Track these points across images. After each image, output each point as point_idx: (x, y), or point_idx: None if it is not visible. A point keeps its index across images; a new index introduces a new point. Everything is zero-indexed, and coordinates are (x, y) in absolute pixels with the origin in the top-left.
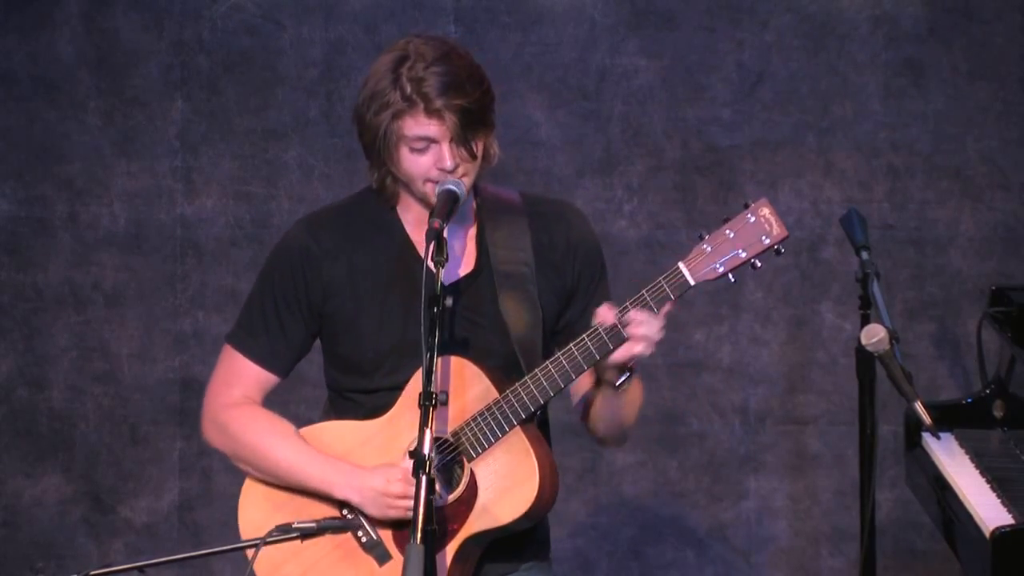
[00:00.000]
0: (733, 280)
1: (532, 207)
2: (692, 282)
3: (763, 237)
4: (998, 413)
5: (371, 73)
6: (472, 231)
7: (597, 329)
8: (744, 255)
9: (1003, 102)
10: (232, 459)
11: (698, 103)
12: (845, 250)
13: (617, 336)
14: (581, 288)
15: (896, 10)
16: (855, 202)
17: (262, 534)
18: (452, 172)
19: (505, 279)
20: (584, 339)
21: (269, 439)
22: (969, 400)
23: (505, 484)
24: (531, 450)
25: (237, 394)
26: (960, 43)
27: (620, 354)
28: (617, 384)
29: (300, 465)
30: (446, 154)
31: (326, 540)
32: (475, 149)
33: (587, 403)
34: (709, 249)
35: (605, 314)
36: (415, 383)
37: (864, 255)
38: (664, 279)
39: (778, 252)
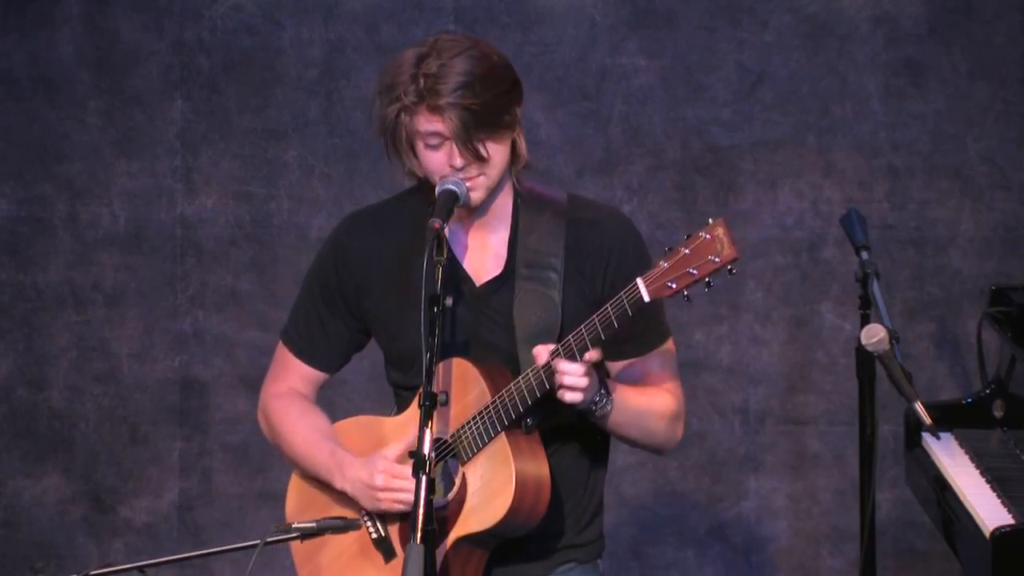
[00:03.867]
0: (687, 299)
1: (574, 212)
2: (647, 299)
3: (713, 257)
4: (998, 413)
5: (392, 64)
6: (506, 234)
7: (536, 369)
8: (696, 273)
9: (1003, 102)
10: (275, 448)
11: (698, 103)
12: (845, 250)
13: (551, 377)
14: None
15: (896, 10)
16: (855, 202)
17: (305, 520)
18: (462, 171)
19: (527, 282)
20: (580, 329)
21: (295, 429)
22: (969, 400)
23: (487, 491)
24: (511, 458)
25: (284, 387)
26: (960, 43)
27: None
28: (590, 411)
29: (312, 455)
30: (455, 152)
31: (352, 532)
32: (483, 152)
33: None
34: (666, 266)
35: (539, 353)
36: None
37: (864, 255)
38: (624, 294)
39: (731, 272)
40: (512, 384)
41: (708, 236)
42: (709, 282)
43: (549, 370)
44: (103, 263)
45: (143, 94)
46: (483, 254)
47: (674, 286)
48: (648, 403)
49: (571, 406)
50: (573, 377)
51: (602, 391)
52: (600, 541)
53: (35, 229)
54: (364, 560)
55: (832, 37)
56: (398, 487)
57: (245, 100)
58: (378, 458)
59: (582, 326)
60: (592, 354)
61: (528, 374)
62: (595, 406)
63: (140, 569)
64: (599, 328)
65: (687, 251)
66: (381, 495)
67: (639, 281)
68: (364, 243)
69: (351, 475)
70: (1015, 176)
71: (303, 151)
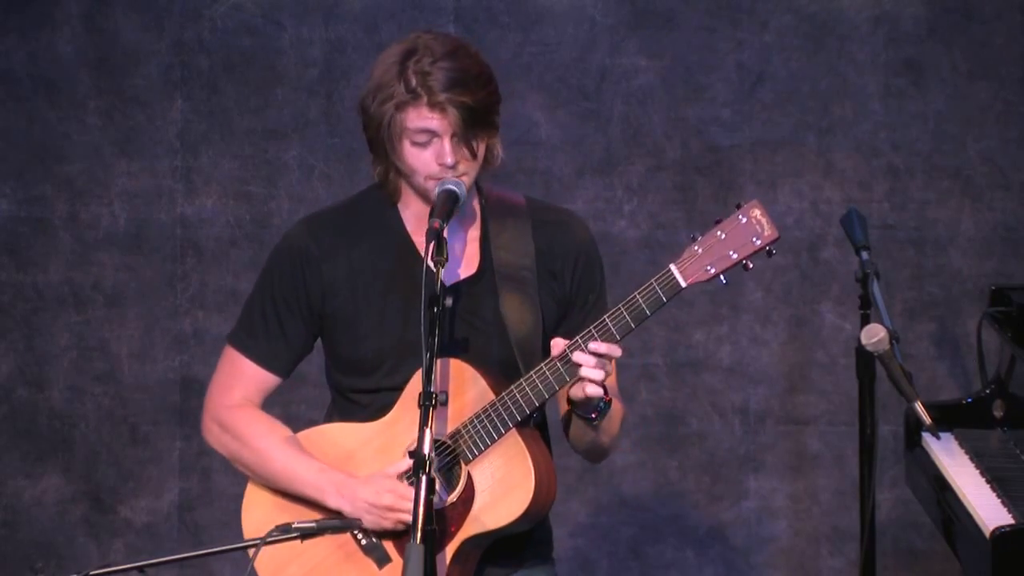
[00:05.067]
0: (724, 282)
1: (537, 213)
2: (683, 284)
3: (754, 238)
4: (998, 413)
5: (377, 64)
6: (476, 233)
7: (552, 361)
8: (735, 256)
9: (1003, 102)
10: (230, 461)
11: (698, 103)
12: (845, 250)
13: (572, 369)
14: (579, 299)
15: (896, 10)
16: (855, 202)
17: (263, 534)
18: (452, 169)
19: (507, 281)
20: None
21: (266, 444)
22: (969, 400)
23: (501, 487)
24: (527, 453)
25: (238, 395)
26: (960, 43)
27: (575, 391)
28: (591, 419)
29: (295, 472)
30: (447, 149)
31: (328, 541)
32: (476, 148)
33: (566, 421)
34: (700, 251)
35: (556, 344)
36: (414, 384)
37: (864, 255)
38: (656, 281)
39: (770, 253)
40: (524, 380)
41: (745, 218)
42: (748, 264)
43: (569, 362)
44: (103, 263)
45: (143, 94)
46: (457, 254)
47: (712, 270)
48: (618, 409)
49: (582, 409)
50: (588, 368)
51: (606, 396)
52: (551, 540)
53: (35, 229)
54: (351, 568)
55: (832, 37)
56: (405, 508)
57: (245, 100)
58: (383, 477)
59: (606, 316)
60: (603, 347)
61: (543, 368)
62: (599, 410)
63: (140, 569)
64: (628, 318)
65: (723, 235)
66: (389, 514)
67: (672, 267)
68: (329, 246)
69: (351, 494)
70: (1015, 176)
71: (303, 151)
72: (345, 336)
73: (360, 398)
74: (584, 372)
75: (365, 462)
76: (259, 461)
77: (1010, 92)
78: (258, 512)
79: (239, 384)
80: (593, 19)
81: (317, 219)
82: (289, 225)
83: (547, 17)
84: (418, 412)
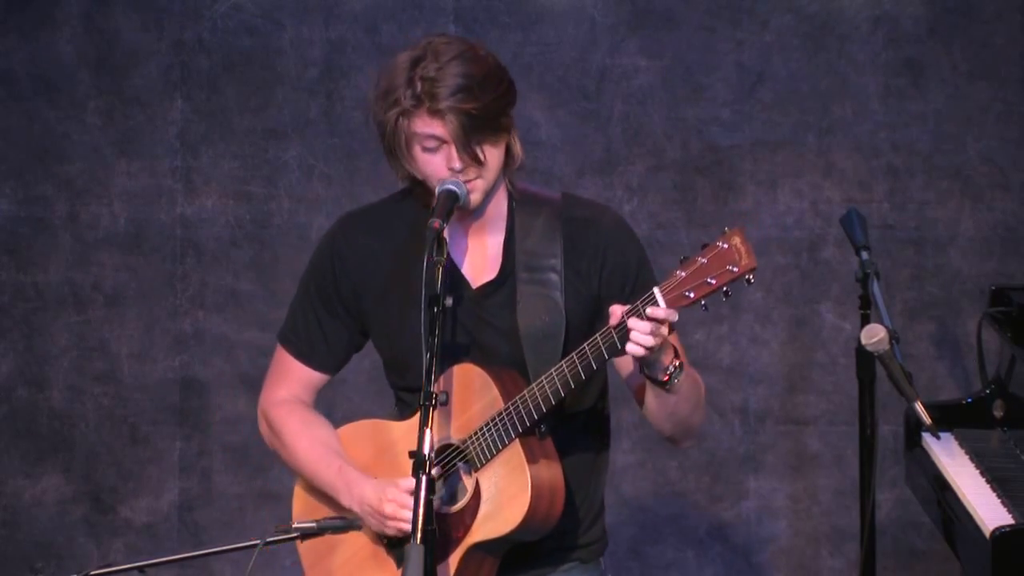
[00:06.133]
0: (705, 308)
1: (568, 210)
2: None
3: (731, 266)
4: (998, 413)
5: (388, 68)
6: (500, 236)
7: (608, 329)
8: (713, 283)
9: (1003, 102)
10: (275, 455)
11: (698, 103)
12: (845, 250)
13: (624, 336)
14: (611, 299)
15: (896, 10)
16: (855, 202)
17: (306, 520)
18: (462, 173)
19: (528, 285)
20: (595, 338)
21: (296, 442)
22: (969, 400)
23: (502, 497)
24: (526, 466)
25: (284, 392)
26: (960, 43)
27: (630, 351)
28: (664, 381)
29: (318, 470)
30: (455, 154)
31: (360, 537)
32: (480, 155)
33: (643, 403)
34: (683, 275)
35: (615, 312)
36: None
37: (864, 255)
38: (641, 303)
39: (748, 282)
40: (526, 391)
41: (725, 245)
42: (727, 291)
43: (567, 374)
44: (103, 263)
45: (143, 94)
46: (480, 257)
47: (692, 295)
48: (695, 375)
49: (652, 379)
50: (639, 334)
51: (677, 361)
52: (603, 540)
53: (35, 229)
54: (377, 563)
55: (832, 37)
56: (405, 517)
57: (245, 100)
58: (390, 486)
59: (597, 335)
60: (658, 311)
61: (542, 381)
62: (670, 373)
63: (140, 569)
64: (615, 338)
65: (704, 260)
66: (389, 523)
67: (656, 291)
68: (360, 244)
69: (359, 495)
70: (1015, 176)
71: (303, 151)
72: (379, 336)
73: (405, 396)
74: (630, 347)
75: (390, 463)
76: (291, 458)
77: (1010, 92)
78: (301, 504)
79: (286, 381)
80: (593, 19)
81: (354, 217)
82: (289, 225)
83: (547, 17)
84: (436, 414)
